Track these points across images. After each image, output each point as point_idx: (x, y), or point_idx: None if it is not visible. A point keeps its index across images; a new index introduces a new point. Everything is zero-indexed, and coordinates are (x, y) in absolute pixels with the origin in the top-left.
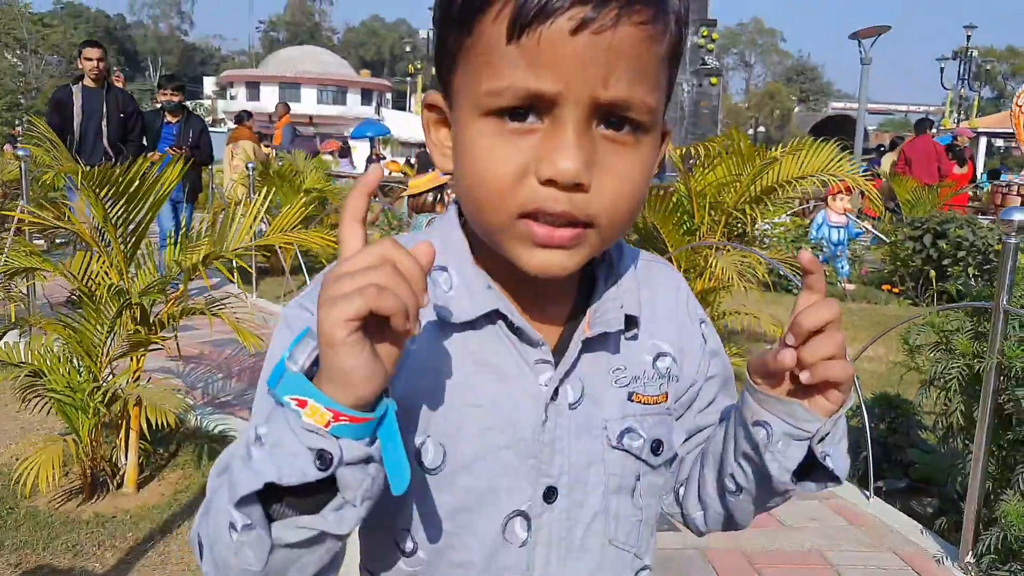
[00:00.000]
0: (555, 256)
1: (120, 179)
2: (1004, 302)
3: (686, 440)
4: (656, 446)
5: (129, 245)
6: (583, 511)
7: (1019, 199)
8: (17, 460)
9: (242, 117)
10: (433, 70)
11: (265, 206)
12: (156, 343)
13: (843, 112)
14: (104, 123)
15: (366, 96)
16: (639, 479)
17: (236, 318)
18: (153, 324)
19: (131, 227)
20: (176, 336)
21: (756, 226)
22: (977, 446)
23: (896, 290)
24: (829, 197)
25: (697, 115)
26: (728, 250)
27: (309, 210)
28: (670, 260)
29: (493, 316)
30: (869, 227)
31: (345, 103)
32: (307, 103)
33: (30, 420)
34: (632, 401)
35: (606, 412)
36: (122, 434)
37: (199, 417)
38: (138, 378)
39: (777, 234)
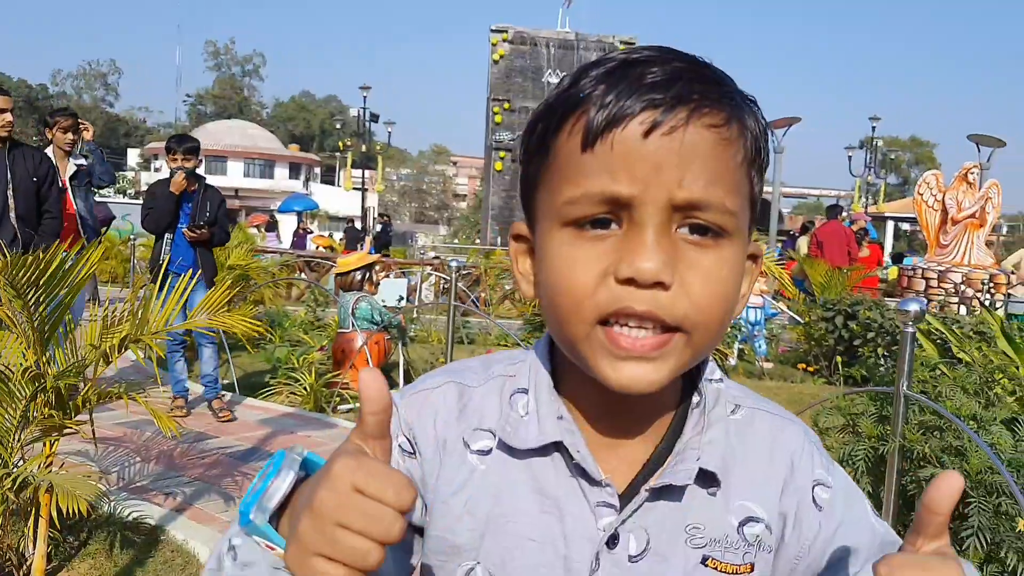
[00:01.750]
0: (640, 368)
1: (35, 268)
2: (904, 388)
3: None
4: None
5: (46, 327)
6: None
7: (923, 282)
8: None
9: None
10: (363, 147)
11: (191, 287)
12: (71, 428)
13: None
14: (10, 193)
15: (294, 170)
16: None
17: (153, 402)
18: (69, 408)
19: (48, 309)
20: (92, 419)
21: None
22: None
23: (811, 369)
24: None
25: None
26: None
27: (233, 292)
28: None
29: (559, 446)
30: (784, 308)
31: (273, 176)
32: (234, 176)
33: None
34: (706, 566)
35: (672, 572)
36: (31, 522)
37: (113, 503)
38: (50, 463)
39: None
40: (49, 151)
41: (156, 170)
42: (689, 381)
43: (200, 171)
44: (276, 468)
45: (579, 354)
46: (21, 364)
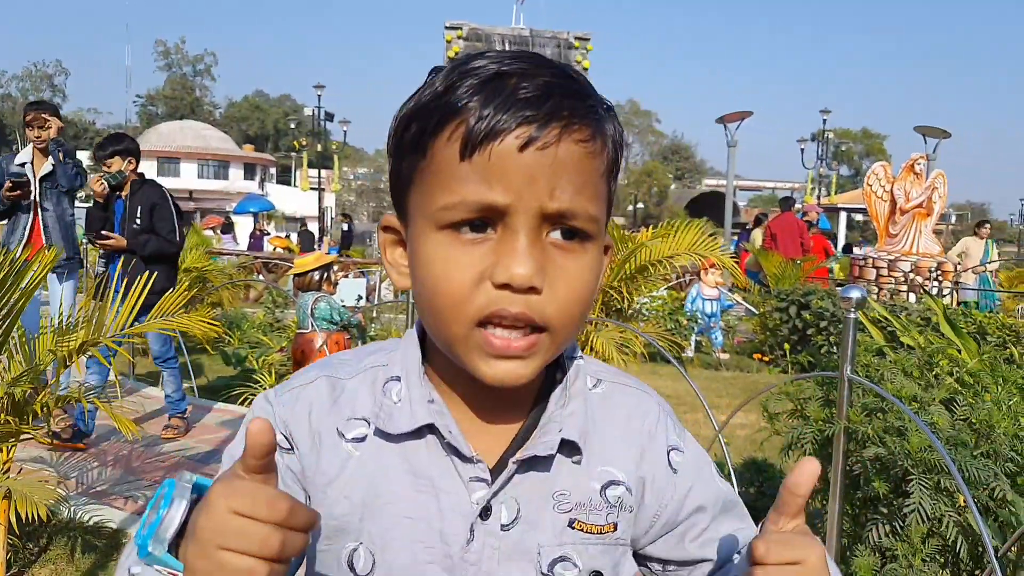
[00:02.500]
0: (511, 366)
1: None
2: (848, 372)
3: (688, 569)
4: None
5: None
6: None
7: (874, 271)
8: None
9: None
10: (319, 146)
11: (147, 289)
12: (27, 433)
13: (715, 189)
14: None
15: (249, 171)
16: None
17: (113, 405)
18: (25, 414)
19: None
20: (49, 425)
21: (635, 301)
22: (831, 505)
23: (766, 359)
24: (701, 272)
25: None
26: (607, 326)
27: (191, 292)
28: None
29: (432, 429)
30: (739, 299)
31: (227, 177)
32: (187, 178)
33: None
34: (573, 528)
35: (541, 537)
36: None
37: (73, 508)
38: (7, 469)
39: (655, 307)
40: (29, 150)
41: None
42: (552, 360)
43: (147, 172)
44: (168, 498)
45: (455, 352)
46: None
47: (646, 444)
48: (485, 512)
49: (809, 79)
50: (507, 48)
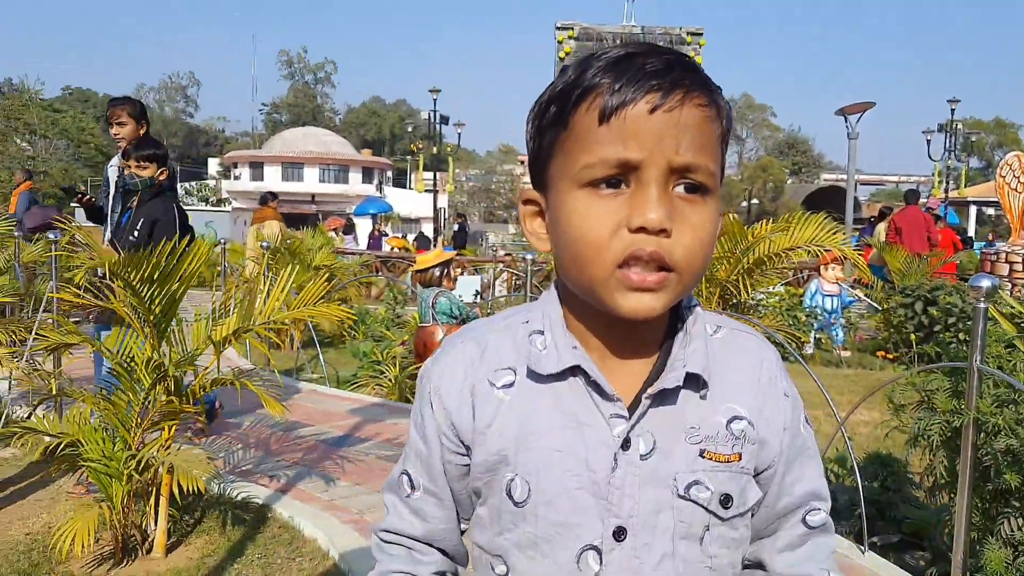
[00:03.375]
0: (645, 298)
1: (148, 266)
2: (977, 362)
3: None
4: (725, 500)
5: (161, 322)
6: (651, 553)
7: (1007, 266)
8: (50, 528)
9: (266, 198)
10: (434, 149)
11: (291, 280)
12: (188, 412)
13: (834, 183)
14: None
15: (367, 174)
16: (708, 529)
17: (263, 388)
18: (185, 395)
19: (162, 305)
20: (202, 407)
21: (751, 296)
22: (960, 498)
23: (890, 356)
24: (821, 267)
25: None
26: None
27: (329, 285)
28: None
29: (576, 371)
30: (861, 295)
31: (347, 181)
32: (310, 182)
33: (58, 488)
34: (703, 458)
35: (676, 465)
36: (151, 500)
37: (222, 485)
38: (169, 446)
39: (772, 303)
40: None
41: (236, 178)
42: (674, 313)
43: (273, 177)
44: None
45: (597, 293)
46: (142, 356)
47: (767, 388)
48: (626, 444)
49: (935, 68)
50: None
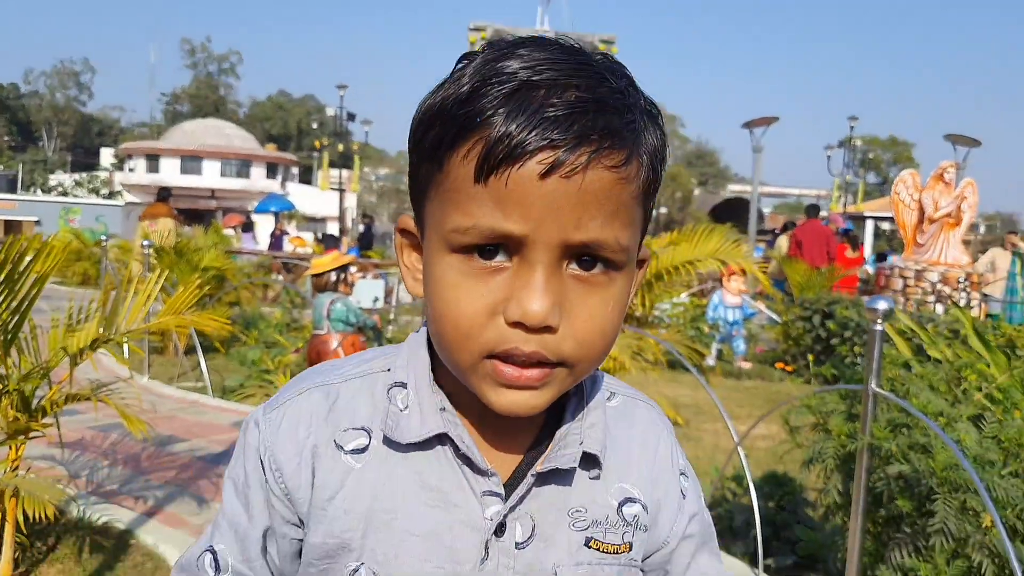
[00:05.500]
0: (523, 396)
1: None
2: (873, 386)
3: None
4: None
5: (10, 328)
6: None
7: (901, 281)
8: None
9: (164, 196)
10: (340, 147)
11: (159, 286)
12: (37, 431)
13: (740, 195)
14: None
15: (271, 170)
16: None
17: (124, 403)
18: (35, 411)
19: (11, 308)
20: (58, 422)
21: (655, 307)
22: (853, 523)
23: (789, 368)
24: (724, 279)
25: None
26: (623, 331)
27: (207, 289)
28: None
29: (444, 438)
30: (763, 307)
31: (249, 176)
32: (209, 176)
33: None
34: (589, 547)
35: (557, 556)
36: None
37: (82, 507)
38: (16, 468)
39: (676, 313)
40: None
41: (131, 170)
42: None
43: (170, 171)
44: None
45: (465, 378)
46: None
47: (662, 465)
48: (500, 528)
49: (836, 85)
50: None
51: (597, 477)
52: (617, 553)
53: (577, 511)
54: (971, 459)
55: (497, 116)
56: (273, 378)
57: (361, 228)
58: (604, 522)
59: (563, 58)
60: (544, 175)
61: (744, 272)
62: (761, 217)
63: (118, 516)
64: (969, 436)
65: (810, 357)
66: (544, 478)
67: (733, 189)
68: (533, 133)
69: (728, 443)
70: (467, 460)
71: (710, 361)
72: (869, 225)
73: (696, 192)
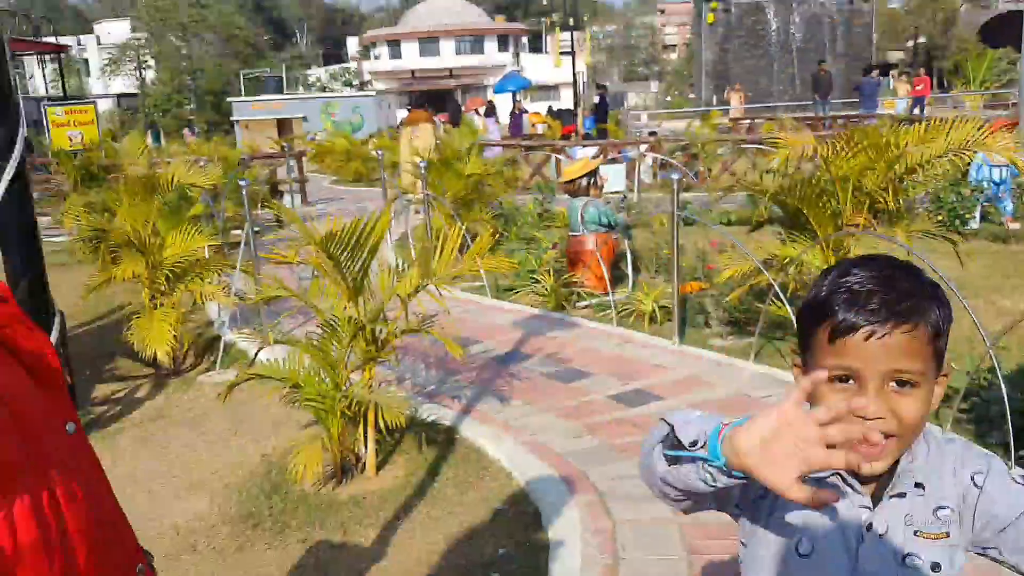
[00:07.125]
0: (875, 464)
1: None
2: None
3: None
4: (934, 566)
5: (357, 281)
6: None
7: None
8: (275, 450)
9: (421, 103)
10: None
11: (459, 240)
12: (384, 358)
13: (1018, 8)
14: None
15: (502, 42)
16: None
17: (443, 331)
18: (381, 343)
19: (356, 269)
20: (395, 351)
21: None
22: None
23: None
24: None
25: (850, 35)
26: (875, 231)
27: (471, 194)
28: (822, 245)
29: (837, 477)
30: None
31: (483, 51)
32: (446, 56)
33: (276, 415)
34: (917, 537)
35: (898, 542)
36: (361, 429)
37: (414, 407)
38: (370, 385)
39: (936, 174)
40: None
41: (376, 58)
42: None
43: (411, 55)
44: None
45: None
46: (343, 314)
47: (966, 484)
48: (869, 526)
49: None
50: None
51: (922, 495)
52: (937, 539)
53: (909, 516)
54: None
55: (840, 309)
56: (539, 277)
57: (596, 99)
58: (926, 521)
59: (876, 274)
60: (866, 338)
61: (1011, 126)
62: None
63: (442, 415)
64: None
65: None
66: (893, 497)
67: (1006, 4)
68: (859, 317)
69: (992, 322)
70: (851, 487)
71: (974, 224)
72: None
73: (962, 8)
